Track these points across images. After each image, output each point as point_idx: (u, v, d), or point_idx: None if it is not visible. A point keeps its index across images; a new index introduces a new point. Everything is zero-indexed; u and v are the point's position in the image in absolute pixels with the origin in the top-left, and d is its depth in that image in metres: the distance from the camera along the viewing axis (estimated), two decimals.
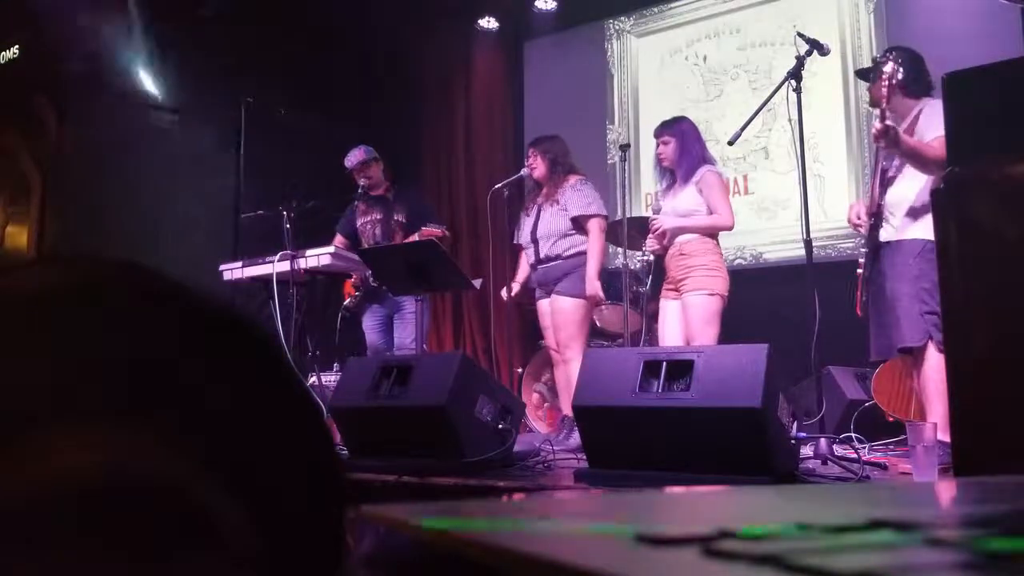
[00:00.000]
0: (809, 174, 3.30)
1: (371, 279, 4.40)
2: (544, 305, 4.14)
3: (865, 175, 5.26)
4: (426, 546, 0.31)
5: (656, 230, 3.81)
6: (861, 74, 3.75)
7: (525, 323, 4.62)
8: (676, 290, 3.78)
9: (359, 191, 4.57)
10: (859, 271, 3.37)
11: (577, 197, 4.02)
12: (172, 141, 5.62)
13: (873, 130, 3.06)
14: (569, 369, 3.91)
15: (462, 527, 0.30)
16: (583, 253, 4.00)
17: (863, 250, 3.34)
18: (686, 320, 3.69)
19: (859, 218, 3.36)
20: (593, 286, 3.95)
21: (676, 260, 3.77)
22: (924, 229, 3.08)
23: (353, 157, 4.58)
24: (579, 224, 4.02)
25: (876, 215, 3.21)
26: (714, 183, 3.75)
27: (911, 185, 3.16)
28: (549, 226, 4.06)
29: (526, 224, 4.20)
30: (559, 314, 4.01)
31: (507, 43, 7.06)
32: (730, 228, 3.80)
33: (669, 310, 3.82)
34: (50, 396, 0.30)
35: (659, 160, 3.93)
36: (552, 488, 2.67)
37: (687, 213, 3.75)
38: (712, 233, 3.77)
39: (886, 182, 3.22)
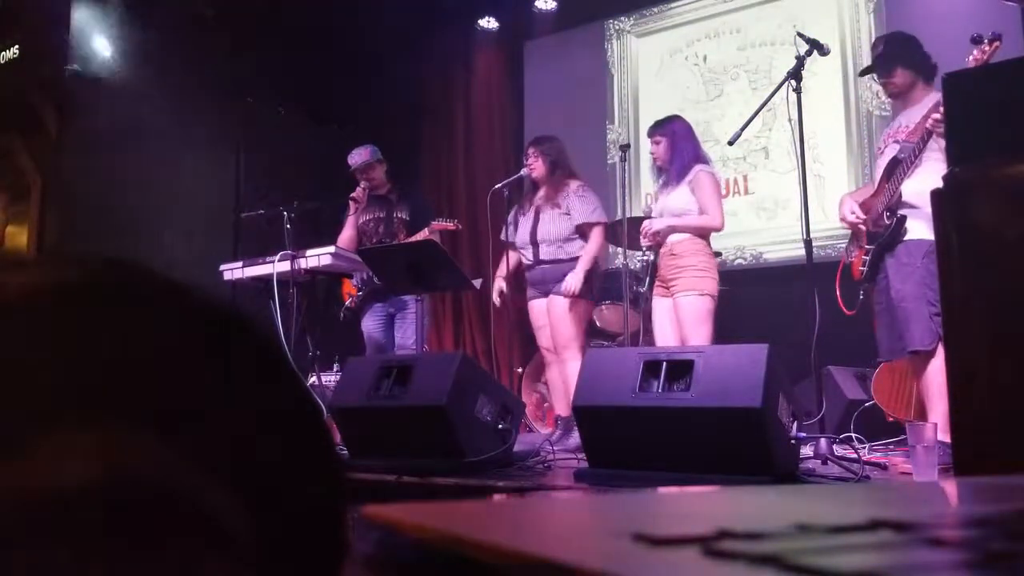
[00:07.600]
0: (809, 174, 3.30)
1: (375, 278, 4.39)
2: (539, 305, 4.13)
3: (865, 175, 5.25)
4: (426, 546, 0.31)
5: (646, 233, 3.83)
6: (876, 67, 3.33)
7: (525, 323, 4.61)
8: (666, 288, 3.79)
9: (360, 190, 4.54)
10: (861, 267, 3.30)
11: (581, 204, 4.03)
12: (172, 140, 5.62)
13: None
14: (568, 369, 3.91)
15: (461, 527, 0.30)
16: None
17: (869, 247, 3.27)
18: (679, 321, 3.70)
19: (854, 214, 3.30)
20: (577, 280, 3.92)
21: (667, 260, 3.78)
22: (929, 229, 3.05)
23: (357, 156, 4.53)
24: (581, 230, 4.04)
25: (892, 210, 3.14)
26: (706, 183, 3.75)
27: (926, 179, 3.10)
28: (551, 230, 4.06)
29: (523, 224, 4.19)
30: (557, 314, 4.00)
31: (507, 43, 7.06)
32: (719, 229, 3.78)
33: (660, 308, 3.83)
34: (49, 397, 0.30)
35: (653, 159, 3.95)
36: (552, 488, 2.67)
37: (679, 212, 3.76)
38: (703, 233, 3.77)
39: (902, 174, 3.12)
